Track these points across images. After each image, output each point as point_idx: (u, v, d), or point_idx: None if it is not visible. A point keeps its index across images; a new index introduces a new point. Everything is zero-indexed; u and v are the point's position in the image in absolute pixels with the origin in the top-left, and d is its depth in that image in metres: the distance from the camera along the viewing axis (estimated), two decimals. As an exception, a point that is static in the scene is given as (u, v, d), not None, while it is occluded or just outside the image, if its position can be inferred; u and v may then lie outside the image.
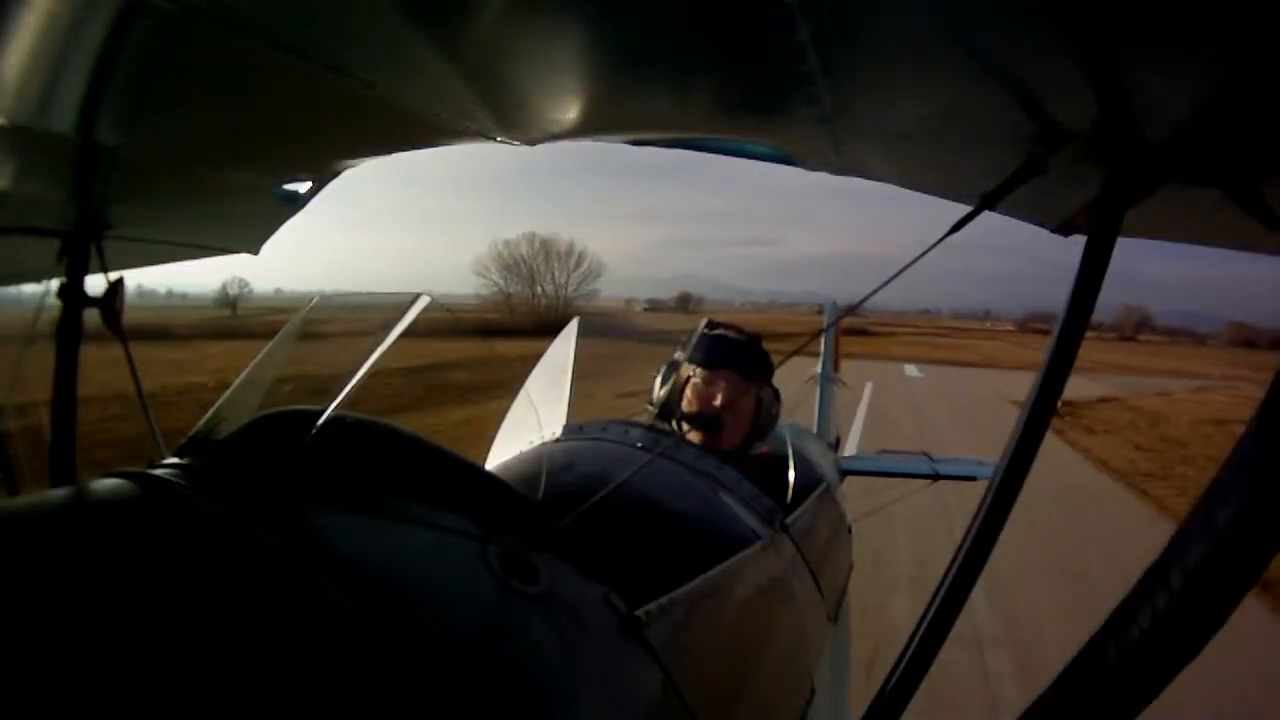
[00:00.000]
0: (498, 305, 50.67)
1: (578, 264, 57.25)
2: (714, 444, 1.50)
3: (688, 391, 1.58)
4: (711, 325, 1.64)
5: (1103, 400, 18.24)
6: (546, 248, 56.61)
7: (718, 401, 1.53)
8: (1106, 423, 14.79)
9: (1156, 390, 21.94)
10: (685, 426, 1.54)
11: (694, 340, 1.60)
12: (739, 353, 1.58)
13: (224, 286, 56.60)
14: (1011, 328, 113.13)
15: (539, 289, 54.56)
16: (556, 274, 56.24)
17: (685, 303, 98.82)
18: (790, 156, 1.00)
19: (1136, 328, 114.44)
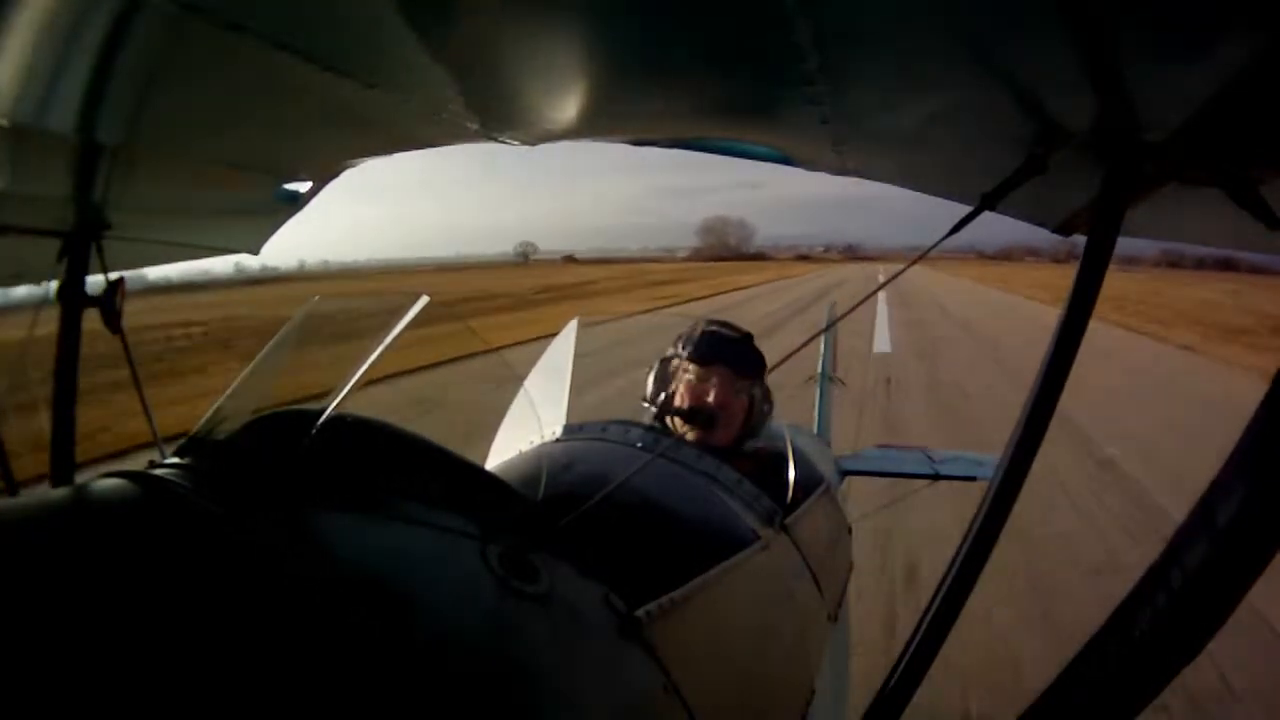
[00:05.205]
0: (712, 248, 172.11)
1: (742, 227, 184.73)
2: (707, 440, 1.51)
3: (680, 387, 1.59)
4: (707, 323, 1.65)
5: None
6: (725, 221, 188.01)
7: (711, 398, 1.53)
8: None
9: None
10: (678, 422, 1.55)
11: (688, 336, 1.61)
12: (732, 350, 1.59)
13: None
14: (973, 258, 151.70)
15: (728, 241, 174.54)
16: (733, 233, 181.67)
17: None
18: (790, 156, 1.00)
19: (1069, 254, 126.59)
